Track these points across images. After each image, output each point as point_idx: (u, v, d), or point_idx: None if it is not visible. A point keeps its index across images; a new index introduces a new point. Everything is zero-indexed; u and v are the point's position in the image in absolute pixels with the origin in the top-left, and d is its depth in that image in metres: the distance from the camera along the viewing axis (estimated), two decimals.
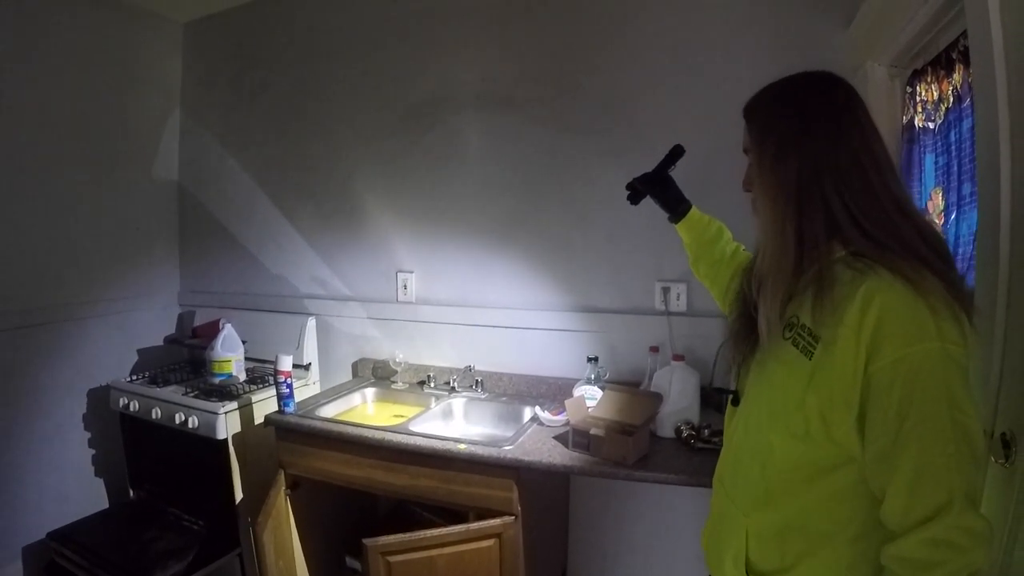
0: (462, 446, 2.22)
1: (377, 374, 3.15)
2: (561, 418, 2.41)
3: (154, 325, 3.66)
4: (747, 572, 1.22)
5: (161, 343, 3.60)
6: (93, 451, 3.33)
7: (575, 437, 2.19)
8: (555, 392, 2.74)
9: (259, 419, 2.77)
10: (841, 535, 1.11)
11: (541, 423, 2.45)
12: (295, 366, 2.89)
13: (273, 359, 2.61)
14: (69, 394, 3.23)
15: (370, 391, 2.98)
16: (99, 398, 3.25)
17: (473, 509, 2.25)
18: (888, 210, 1.07)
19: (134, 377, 3.17)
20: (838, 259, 1.09)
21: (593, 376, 2.51)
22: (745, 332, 1.27)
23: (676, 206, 1.79)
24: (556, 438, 2.30)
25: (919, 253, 1.03)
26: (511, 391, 2.86)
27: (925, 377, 0.95)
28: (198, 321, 3.49)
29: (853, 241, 1.07)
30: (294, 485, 2.60)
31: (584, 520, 2.81)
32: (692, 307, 2.58)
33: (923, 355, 0.95)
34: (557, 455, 2.15)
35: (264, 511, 2.47)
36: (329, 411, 2.69)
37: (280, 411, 2.59)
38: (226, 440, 2.75)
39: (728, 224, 1.82)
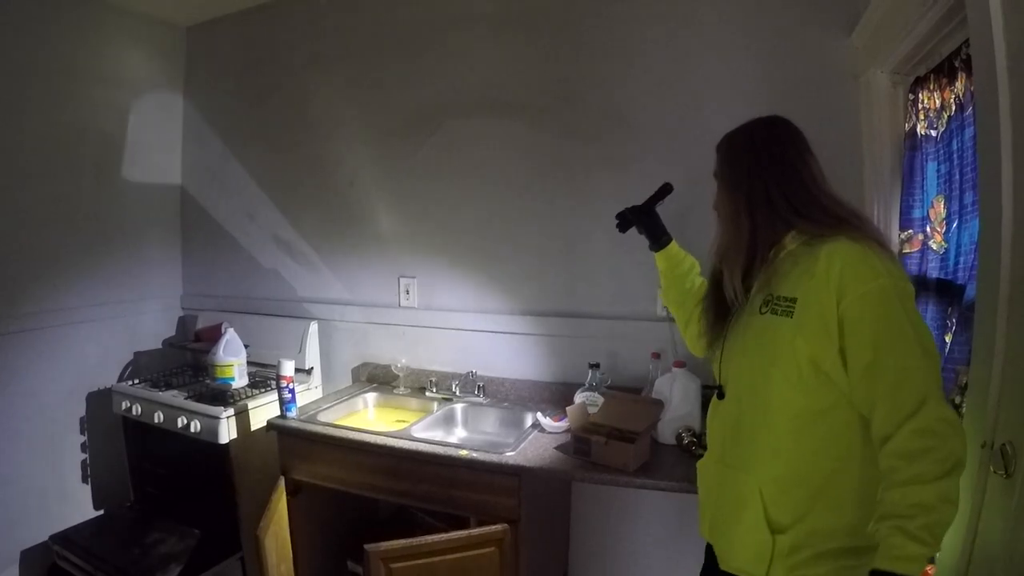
0: (463, 452, 2.22)
1: (379, 379, 3.14)
2: (562, 424, 2.41)
3: (156, 328, 3.66)
4: (770, 530, 1.35)
5: (161, 346, 3.61)
6: (94, 455, 3.32)
7: (576, 444, 2.18)
8: (557, 398, 2.73)
9: (261, 424, 2.77)
10: (844, 472, 1.30)
11: (543, 429, 2.44)
12: (297, 370, 2.89)
13: (275, 363, 2.61)
14: (71, 397, 3.23)
15: (371, 396, 2.98)
16: (100, 401, 3.25)
17: (475, 514, 2.26)
18: (823, 202, 1.38)
19: (136, 381, 3.17)
20: (793, 247, 1.39)
21: (595, 382, 2.50)
22: (714, 308, 1.57)
23: (659, 237, 1.95)
24: (557, 446, 2.29)
25: (856, 224, 1.34)
26: (512, 396, 2.86)
27: (887, 304, 1.21)
28: (200, 325, 3.48)
29: (805, 231, 1.37)
30: (296, 490, 2.60)
31: (585, 527, 2.81)
32: None
33: (881, 289, 1.22)
34: (558, 461, 2.16)
35: (266, 515, 2.47)
36: (331, 416, 2.69)
37: (282, 416, 2.59)
38: (228, 445, 2.75)
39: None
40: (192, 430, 2.77)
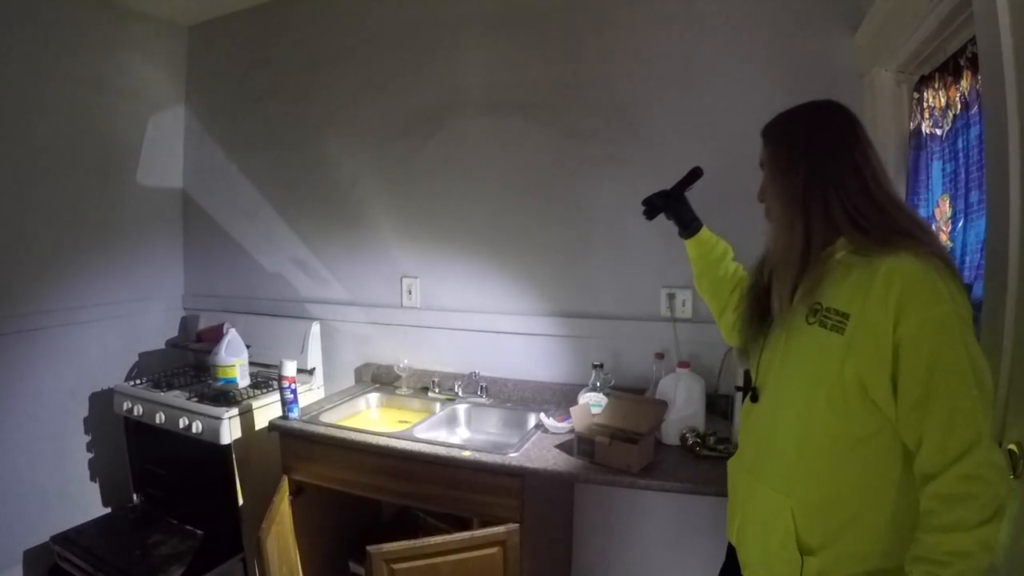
0: (467, 453, 2.21)
1: (381, 380, 3.12)
2: (566, 425, 2.39)
3: (158, 329, 3.65)
4: (800, 551, 1.29)
5: (163, 347, 3.59)
6: (96, 455, 3.31)
7: (580, 444, 2.18)
8: (560, 398, 2.72)
9: (263, 424, 2.75)
10: (880, 500, 1.23)
11: (546, 430, 2.43)
12: (299, 371, 2.88)
13: (277, 364, 2.60)
14: (72, 398, 3.22)
15: (374, 396, 2.97)
16: (102, 402, 3.24)
17: (478, 516, 2.25)
18: (885, 207, 1.25)
19: (138, 381, 3.17)
20: (844, 255, 1.27)
21: (599, 382, 2.49)
22: (757, 316, 1.47)
23: (689, 223, 1.83)
24: (560, 446, 2.29)
25: (917, 236, 1.21)
26: (515, 397, 2.85)
27: (946, 334, 1.11)
28: (202, 325, 3.47)
29: (854, 241, 1.25)
30: (298, 491, 2.59)
31: (588, 528, 2.80)
32: (698, 313, 2.55)
33: (941, 316, 1.12)
34: (562, 462, 2.15)
35: (268, 517, 2.46)
36: (333, 417, 2.68)
37: (284, 416, 2.58)
38: (229, 445, 2.74)
39: (727, 231, 1.88)
40: (194, 431, 2.76)
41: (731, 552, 1.62)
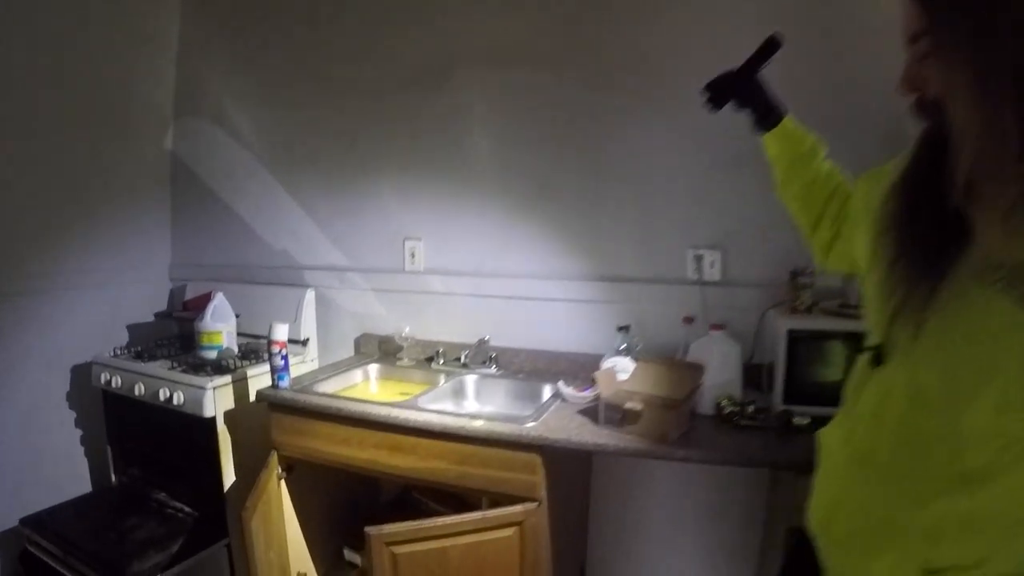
0: (478, 422, 1.97)
1: (382, 350, 2.90)
2: (587, 394, 2.18)
3: (145, 300, 3.40)
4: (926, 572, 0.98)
5: (152, 319, 3.33)
6: (74, 432, 3.09)
7: (607, 412, 1.95)
8: (576, 369, 2.48)
9: (252, 396, 2.53)
10: None
11: (564, 400, 2.20)
12: (291, 341, 2.64)
13: (267, 334, 2.36)
14: (48, 370, 2.98)
15: (373, 368, 2.74)
16: (82, 376, 3.00)
17: (488, 495, 2.04)
18: None
19: (118, 352, 2.93)
20: None
21: (624, 346, 2.25)
22: (918, 265, 0.96)
23: (768, 112, 1.45)
24: (582, 412, 2.07)
25: None
26: (527, 368, 2.61)
27: None
28: (190, 295, 3.23)
29: None
30: (288, 468, 2.37)
31: (604, 508, 2.58)
32: (728, 276, 2.36)
33: None
34: (587, 433, 1.91)
35: (253, 496, 2.23)
36: (328, 388, 2.45)
37: (274, 386, 2.34)
38: (214, 418, 2.50)
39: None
40: (175, 402, 2.51)
41: (803, 541, 1.28)
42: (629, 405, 1.89)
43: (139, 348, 2.94)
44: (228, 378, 2.55)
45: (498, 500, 1.98)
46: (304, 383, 2.42)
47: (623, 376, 2.06)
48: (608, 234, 2.53)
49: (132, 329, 3.30)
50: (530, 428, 1.92)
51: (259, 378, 2.62)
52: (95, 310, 3.15)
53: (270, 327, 2.31)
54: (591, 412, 2.06)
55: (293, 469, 2.37)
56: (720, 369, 2.06)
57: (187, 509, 2.69)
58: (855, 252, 1.24)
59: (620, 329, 2.29)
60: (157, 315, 3.23)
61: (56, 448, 3.02)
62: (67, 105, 2.97)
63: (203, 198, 3.39)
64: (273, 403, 2.31)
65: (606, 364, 2.19)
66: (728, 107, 1.52)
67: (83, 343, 3.05)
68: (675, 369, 2.01)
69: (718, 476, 2.35)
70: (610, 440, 1.87)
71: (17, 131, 2.78)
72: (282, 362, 2.31)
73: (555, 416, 2.05)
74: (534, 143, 2.61)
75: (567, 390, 2.21)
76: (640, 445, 1.84)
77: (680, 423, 1.87)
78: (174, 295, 3.48)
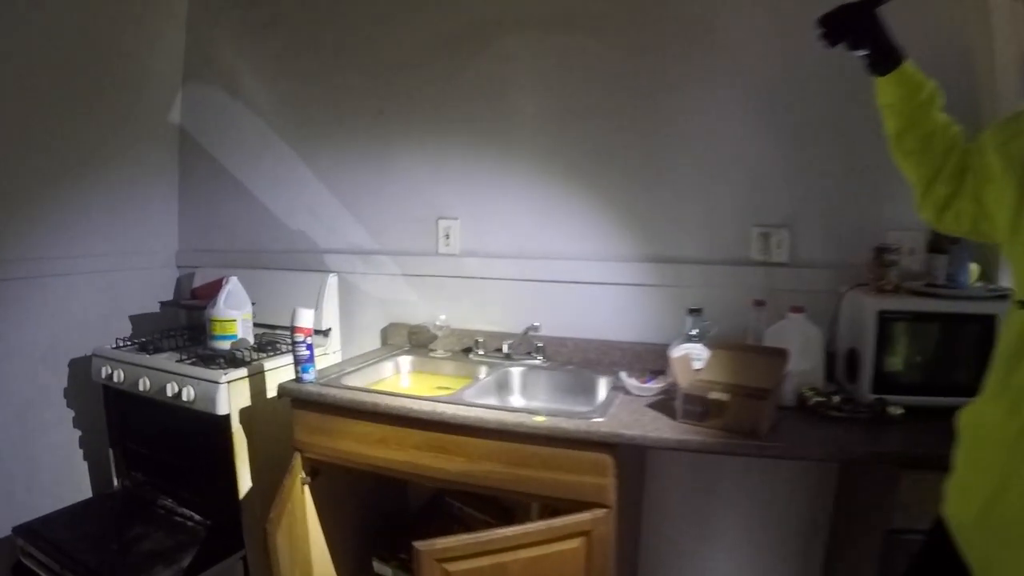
0: (539, 418, 1.70)
1: (413, 341, 2.64)
2: (652, 385, 1.95)
3: (149, 288, 3.14)
4: None
5: (158, 309, 3.06)
6: (72, 432, 2.84)
7: (686, 404, 1.69)
8: (630, 360, 2.26)
9: (271, 392, 2.28)
10: None
11: (628, 392, 1.95)
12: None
13: (284, 325, 2.18)
14: (44, 364, 2.73)
15: (405, 360, 2.48)
16: (81, 370, 2.75)
17: (547, 501, 1.78)
18: None
19: (121, 343, 2.67)
20: None
21: (695, 331, 1.99)
22: None
23: (887, 53, 1.32)
24: (652, 406, 1.83)
25: None
26: (576, 359, 2.36)
27: None
28: (198, 282, 2.98)
29: None
30: (313, 472, 2.10)
31: (658, 507, 2.35)
32: (796, 256, 2.16)
33: None
34: (665, 428, 1.67)
35: (277, 504, 1.97)
36: (356, 382, 2.18)
37: (297, 379, 2.07)
38: (228, 416, 2.24)
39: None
40: (184, 398, 2.25)
41: (941, 532, 1.13)
42: (714, 396, 1.64)
43: (143, 339, 2.68)
44: (243, 371, 2.28)
45: (556, 506, 1.74)
46: (329, 376, 2.16)
47: (698, 364, 1.82)
48: (664, 211, 2.30)
49: (135, 320, 3.04)
50: (599, 424, 1.66)
51: (278, 372, 2.37)
52: (94, 299, 2.90)
53: (293, 313, 2.04)
54: (663, 405, 1.82)
55: (319, 473, 2.11)
56: (801, 356, 1.82)
57: (197, 517, 2.45)
58: (988, 207, 1.19)
59: (691, 312, 2.03)
60: (163, 304, 2.94)
61: (53, 449, 2.77)
62: (65, 72, 2.70)
63: (214, 176, 3.13)
64: (297, 399, 2.05)
65: (677, 350, 1.93)
66: (841, 46, 1.38)
67: (82, 335, 2.80)
68: (756, 356, 1.78)
69: (778, 471, 2.14)
70: (694, 435, 1.63)
71: (9, 98, 2.53)
72: (307, 352, 2.05)
73: (623, 411, 1.80)
74: (584, 113, 2.37)
75: (630, 381, 1.96)
76: (729, 441, 1.60)
77: (771, 414, 1.64)
78: (181, 283, 3.23)
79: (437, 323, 2.46)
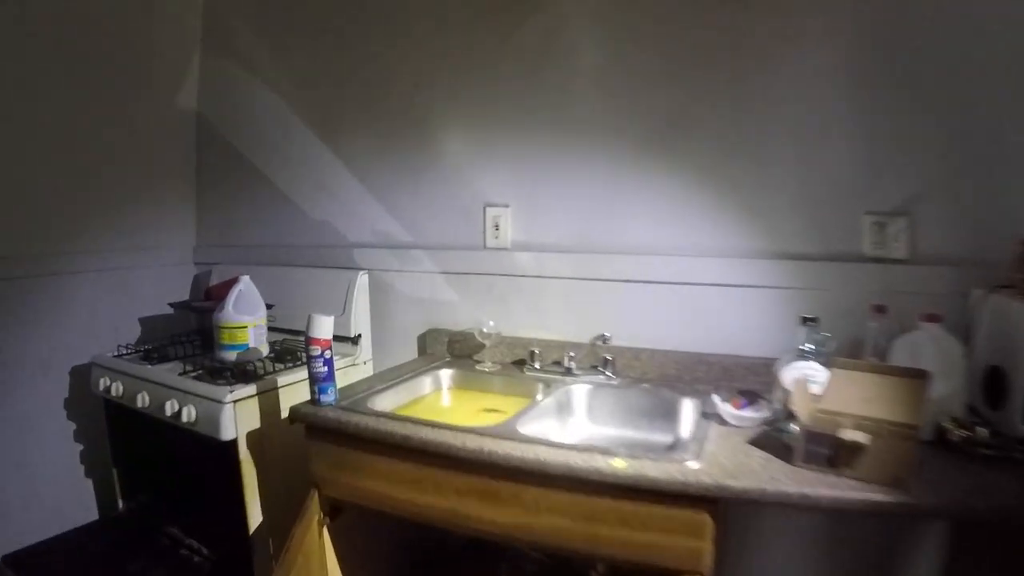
0: (620, 462, 1.30)
1: (455, 350, 2.27)
2: (750, 413, 1.54)
3: (164, 288, 2.84)
4: None
5: (171, 311, 2.73)
6: (74, 447, 2.57)
7: (811, 444, 1.28)
8: (717, 376, 1.86)
9: (286, 412, 1.89)
10: None
11: (723, 421, 1.55)
12: (339, 339, 2.05)
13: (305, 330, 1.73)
14: (45, 372, 2.47)
15: (446, 374, 2.09)
16: (84, 378, 2.45)
17: (628, 561, 1.36)
18: None
19: (123, 351, 2.36)
20: None
21: (810, 347, 1.56)
22: None
23: None
24: (757, 443, 1.43)
25: None
26: (652, 374, 1.95)
27: None
28: (214, 280, 2.66)
29: None
30: (334, 510, 1.74)
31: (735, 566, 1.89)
32: (917, 251, 1.73)
33: None
34: (782, 476, 1.26)
35: (290, 548, 1.62)
36: (387, 402, 1.82)
37: (314, 401, 1.70)
38: (235, 442, 1.89)
39: None
40: (184, 419, 1.92)
41: None
42: (849, 436, 1.22)
43: (148, 346, 2.37)
44: (252, 388, 1.93)
45: (636, 568, 1.34)
46: (356, 395, 1.79)
47: (816, 388, 1.42)
48: (755, 196, 1.88)
49: (146, 323, 2.76)
50: (700, 472, 1.25)
51: (296, 388, 2.01)
52: (102, 299, 2.65)
53: (308, 320, 1.67)
54: (770, 441, 1.42)
55: (341, 511, 1.75)
56: (941, 377, 1.39)
57: (205, 551, 2.15)
58: None
59: (805, 322, 1.59)
60: (173, 306, 2.60)
61: (52, 467, 2.51)
62: (72, 50, 2.45)
63: (234, 165, 2.83)
64: (313, 426, 1.68)
65: (788, 370, 1.51)
66: None
67: (86, 339, 2.55)
68: (888, 378, 1.36)
69: (874, 524, 1.70)
70: (824, 488, 1.20)
71: (11, 84, 2.30)
72: (325, 369, 1.67)
73: (721, 449, 1.39)
74: (658, 79, 1.96)
75: (724, 407, 1.55)
76: (870, 496, 1.18)
77: (917, 458, 1.22)
78: (199, 282, 2.93)
79: (484, 329, 2.08)
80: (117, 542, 2.31)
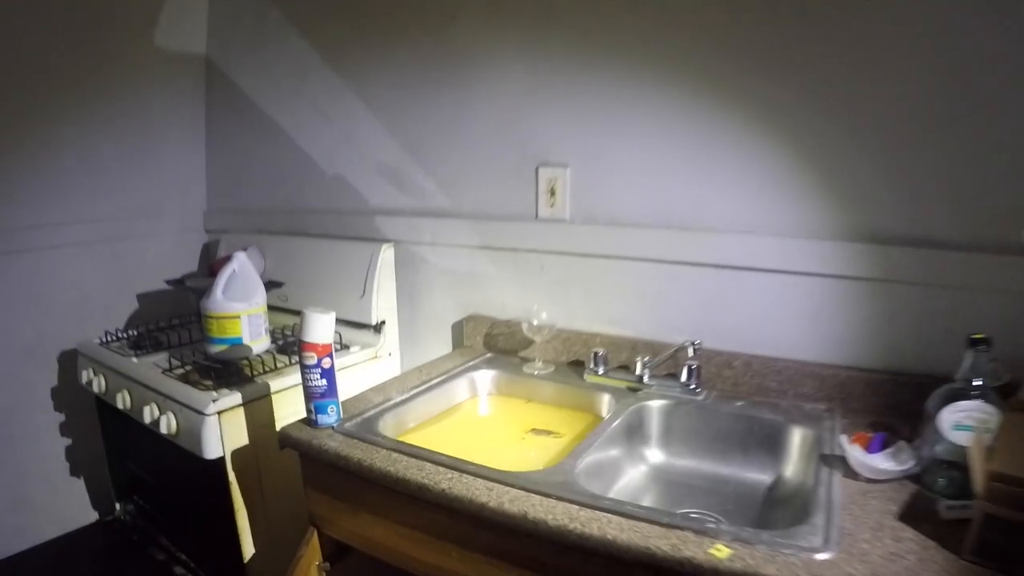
0: (721, 550, 0.89)
1: (498, 345, 1.87)
2: (889, 464, 1.10)
3: (169, 260, 2.53)
4: None
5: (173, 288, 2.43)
6: (64, 443, 2.31)
7: (987, 530, 0.87)
8: (830, 392, 1.41)
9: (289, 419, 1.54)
10: None
11: (852, 473, 1.11)
12: (358, 326, 1.67)
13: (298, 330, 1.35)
14: (29, 358, 2.19)
15: (485, 376, 1.69)
16: (73, 365, 2.15)
17: None
18: None
19: (110, 337, 2.04)
20: None
21: (979, 380, 1.10)
22: None
23: None
24: (905, 513, 1.00)
25: None
26: (746, 387, 1.51)
27: None
28: (223, 251, 2.33)
29: None
30: (338, 553, 1.39)
31: None
32: None
33: None
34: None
35: None
36: (408, 417, 1.44)
37: (309, 421, 1.32)
38: (222, 460, 1.54)
39: None
40: (164, 430, 1.57)
41: None
42: None
43: (139, 330, 2.04)
44: (238, 396, 1.55)
45: None
46: (365, 409, 1.40)
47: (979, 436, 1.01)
48: (872, 167, 1.38)
49: (144, 301, 2.44)
50: (832, 567, 0.84)
51: (296, 391, 1.62)
52: (97, 273, 2.36)
53: (301, 319, 1.27)
54: (920, 510, 0.99)
55: (346, 554, 1.40)
56: None
57: (201, 571, 1.85)
58: None
59: (973, 344, 1.12)
60: (170, 283, 2.26)
61: (43, 463, 2.28)
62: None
63: (246, 117, 2.45)
64: (308, 456, 1.30)
65: (951, 412, 1.07)
66: None
67: (79, 322, 2.28)
68: None
69: None
70: None
71: None
72: (324, 382, 1.28)
73: (857, 522, 0.96)
74: (759, 6, 1.47)
75: (856, 455, 1.11)
76: None
77: None
78: (209, 252, 2.58)
79: (535, 321, 1.67)
80: (103, 553, 2.15)
